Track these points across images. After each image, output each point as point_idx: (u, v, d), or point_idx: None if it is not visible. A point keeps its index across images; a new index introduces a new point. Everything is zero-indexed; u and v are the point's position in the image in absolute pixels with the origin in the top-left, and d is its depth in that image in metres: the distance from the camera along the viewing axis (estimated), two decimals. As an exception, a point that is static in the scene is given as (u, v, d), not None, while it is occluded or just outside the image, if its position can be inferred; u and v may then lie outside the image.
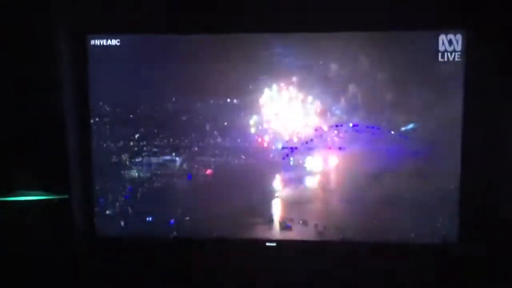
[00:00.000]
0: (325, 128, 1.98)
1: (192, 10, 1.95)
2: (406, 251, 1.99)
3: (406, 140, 1.94)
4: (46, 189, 1.98)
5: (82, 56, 1.98)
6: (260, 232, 2.05)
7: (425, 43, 1.89)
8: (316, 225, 2.03)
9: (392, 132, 1.95)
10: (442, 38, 1.88)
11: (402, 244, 1.99)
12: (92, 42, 1.98)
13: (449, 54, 1.88)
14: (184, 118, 2.01)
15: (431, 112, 1.92)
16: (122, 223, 2.08)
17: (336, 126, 1.97)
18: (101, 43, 1.98)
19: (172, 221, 2.07)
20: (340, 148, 1.98)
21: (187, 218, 2.07)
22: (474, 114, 1.89)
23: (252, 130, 2.00)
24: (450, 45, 1.88)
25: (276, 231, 2.05)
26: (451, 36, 1.87)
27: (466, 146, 1.90)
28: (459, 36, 1.87)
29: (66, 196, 1.99)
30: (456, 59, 1.88)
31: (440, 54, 1.89)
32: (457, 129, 1.91)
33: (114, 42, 1.98)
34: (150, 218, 2.08)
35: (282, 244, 2.04)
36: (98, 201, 2.07)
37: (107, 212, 2.07)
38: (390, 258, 2.00)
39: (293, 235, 2.04)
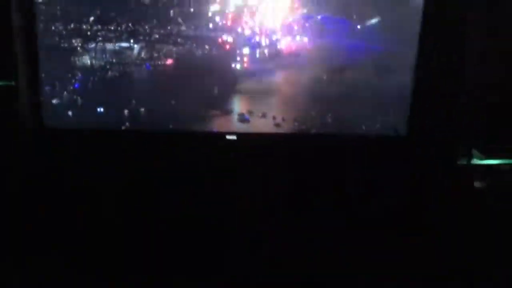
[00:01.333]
0: (293, 19, 1.93)
1: None
2: (358, 142, 2.08)
3: (369, 35, 1.94)
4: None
5: None
6: (217, 125, 2.03)
7: None
8: (274, 117, 2.03)
9: (358, 26, 1.93)
10: None
11: (354, 135, 2.08)
12: None
13: None
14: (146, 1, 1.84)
15: (394, 7, 1.92)
16: (70, 114, 1.95)
17: (304, 18, 1.92)
18: None
19: (125, 112, 1.97)
20: (305, 40, 1.94)
21: (142, 109, 1.98)
22: (434, 12, 1.90)
23: (218, 19, 1.89)
24: None
25: (234, 123, 2.03)
26: None
27: (424, 44, 1.94)
28: None
29: (12, 83, 1.81)
30: None
31: None
32: (416, 26, 1.93)
33: None
34: (101, 109, 1.96)
35: (242, 136, 2.04)
36: (44, 89, 1.90)
37: (54, 101, 1.93)
38: (343, 149, 2.06)
39: (251, 127, 2.04)
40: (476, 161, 2.06)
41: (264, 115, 2.03)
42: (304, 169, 2.08)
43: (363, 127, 2.07)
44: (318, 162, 2.08)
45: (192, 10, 1.88)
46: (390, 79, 2.00)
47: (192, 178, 2.02)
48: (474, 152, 2.07)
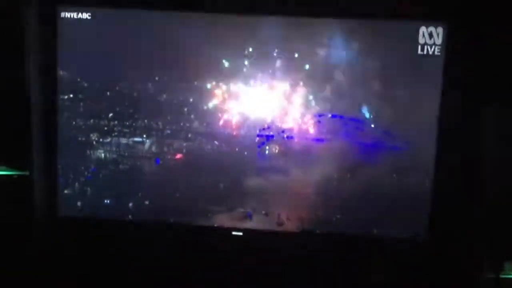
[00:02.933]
0: (304, 117, 1.93)
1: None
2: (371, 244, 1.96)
3: (382, 134, 1.89)
4: (7, 164, 1.91)
5: (52, 28, 1.90)
6: (219, 221, 2.00)
7: (405, 35, 1.84)
8: (278, 216, 1.98)
9: (372, 126, 1.90)
10: (423, 30, 1.83)
11: (366, 237, 1.96)
12: (62, 14, 1.90)
13: (429, 47, 1.83)
14: (161, 99, 1.94)
15: (409, 106, 1.87)
16: (79, 204, 2.01)
17: (315, 116, 1.92)
18: (72, 16, 1.90)
19: (130, 204, 2.01)
20: (317, 140, 1.93)
21: (146, 202, 2.01)
22: (451, 111, 1.84)
23: (230, 116, 1.95)
24: (430, 38, 1.83)
25: (236, 220, 2.00)
26: (432, 29, 1.82)
27: (442, 143, 1.86)
28: (440, 29, 1.82)
29: (27, 173, 1.91)
30: (436, 53, 1.83)
31: (420, 46, 1.83)
32: (433, 126, 1.86)
33: (85, 15, 1.90)
34: (108, 201, 2.01)
35: (248, 233, 1.99)
36: (59, 180, 1.99)
37: (65, 191, 2.00)
38: (354, 251, 1.97)
39: (252, 224, 2.00)
40: (508, 275, 1.82)
41: (267, 214, 1.98)
42: (312, 268, 1.99)
43: (375, 229, 1.96)
44: (327, 263, 1.98)
45: (205, 107, 1.94)
46: (407, 178, 1.91)
47: (196, 271, 2.01)
48: (507, 264, 1.84)
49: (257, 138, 1.95)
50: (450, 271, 1.91)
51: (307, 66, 1.88)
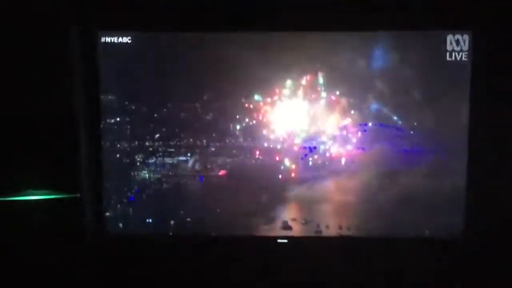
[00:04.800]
0: (344, 127, 2.01)
1: (207, 8, 1.95)
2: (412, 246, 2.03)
3: (417, 139, 1.99)
4: (56, 188, 1.96)
5: (94, 53, 1.95)
6: (258, 232, 2.06)
7: (433, 43, 1.94)
8: (318, 225, 2.05)
9: (404, 131, 1.99)
10: (450, 38, 1.93)
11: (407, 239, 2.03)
12: (103, 39, 1.96)
13: (456, 53, 1.93)
14: (208, 117, 2.00)
15: (439, 111, 1.97)
16: (121, 225, 2.06)
17: (356, 125, 2.00)
18: (112, 41, 1.96)
19: (172, 222, 2.06)
20: (359, 148, 2.01)
21: (188, 219, 2.06)
22: (481, 113, 1.94)
23: (273, 130, 2.02)
24: (457, 45, 1.93)
25: (276, 231, 2.06)
26: (458, 36, 1.92)
27: (473, 145, 1.95)
28: (466, 37, 1.92)
29: (77, 195, 1.96)
30: (463, 58, 1.93)
31: (448, 53, 1.93)
32: (464, 129, 1.96)
33: (125, 39, 1.96)
34: (150, 220, 2.07)
35: (293, 240, 2.05)
36: (103, 201, 2.04)
37: (107, 214, 2.05)
38: (396, 254, 2.04)
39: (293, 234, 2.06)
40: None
41: (306, 222, 2.05)
42: (356, 272, 2.05)
43: (414, 232, 2.04)
44: (371, 267, 2.05)
45: (251, 123, 2.01)
46: (442, 181, 2.00)
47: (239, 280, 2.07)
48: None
49: (301, 150, 2.02)
50: (489, 270, 2.00)
51: (346, 79, 1.97)
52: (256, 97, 1.99)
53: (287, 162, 2.03)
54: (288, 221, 2.05)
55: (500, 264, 1.99)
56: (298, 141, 2.02)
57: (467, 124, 1.96)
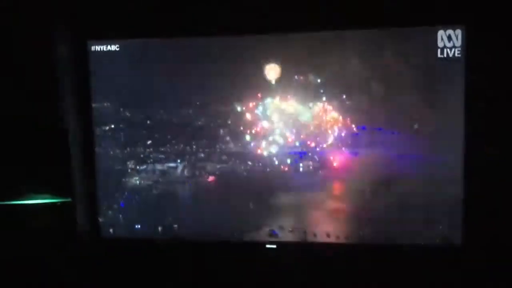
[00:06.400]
0: (335, 131, 1.96)
1: (196, 13, 1.96)
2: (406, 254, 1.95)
3: (411, 142, 1.89)
4: (51, 193, 2.03)
5: (83, 61, 2.01)
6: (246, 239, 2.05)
7: (424, 39, 1.85)
8: (305, 232, 2.00)
9: (398, 134, 1.90)
10: (441, 33, 1.83)
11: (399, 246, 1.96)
12: (92, 48, 2.02)
13: (448, 50, 1.83)
14: (200, 123, 2.01)
15: (431, 110, 1.87)
16: (111, 231, 2.10)
17: (347, 129, 1.94)
18: (101, 49, 2.01)
19: (159, 228, 2.08)
20: (351, 153, 1.95)
21: (175, 226, 2.07)
22: (476, 112, 1.83)
23: (264, 135, 2.00)
24: (449, 41, 1.83)
25: (263, 239, 2.03)
26: (450, 31, 1.82)
27: (468, 147, 1.85)
28: (458, 32, 1.82)
29: (69, 200, 2.02)
30: (456, 54, 1.83)
31: (439, 50, 1.83)
32: (458, 127, 1.85)
33: (114, 47, 2.01)
34: (139, 226, 2.09)
35: (281, 246, 2.02)
36: (100, 205, 2.09)
37: (100, 219, 2.09)
38: (388, 262, 1.96)
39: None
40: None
41: (293, 230, 2.01)
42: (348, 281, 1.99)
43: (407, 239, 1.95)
44: (361, 274, 1.98)
45: (241, 128, 2.00)
46: (437, 185, 1.90)
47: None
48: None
49: (291, 156, 1.98)
50: (488, 275, 1.88)
51: (337, 80, 1.92)
52: (247, 102, 1.97)
53: (276, 168, 1.99)
54: (275, 229, 2.02)
55: (498, 273, 1.87)
56: (288, 146, 1.99)
57: (463, 124, 1.85)
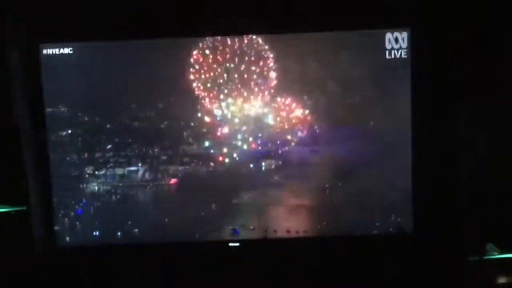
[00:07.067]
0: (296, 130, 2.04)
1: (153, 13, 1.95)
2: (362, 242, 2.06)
3: (364, 139, 2.00)
4: (3, 202, 1.95)
5: (35, 65, 1.95)
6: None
7: (372, 42, 1.96)
8: (265, 230, 2.05)
9: (351, 131, 2.00)
10: (389, 36, 1.95)
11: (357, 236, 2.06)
12: (45, 51, 1.96)
13: (395, 51, 1.95)
14: (162, 126, 2.00)
15: (382, 108, 1.99)
16: (68, 239, 2.05)
17: (306, 128, 2.02)
18: (54, 52, 1.96)
19: (118, 233, 2.05)
20: (311, 151, 2.02)
21: (136, 230, 2.05)
22: (422, 109, 1.96)
23: (225, 136, 2.03)
24: (396, 42, 1.95)
25: (224, 238, 2.06)
26: (397, 34, 1.94)
27: (416, 142, 1.98)
28: (404, 34, 1.94)
29: (24, 208, 1.95)
30: (403, 55, 1.95)
31: (387, 51, 1.95)
32: (406, 123, 1.98)
33: (67, 50, 1.96)
34: (97, 233, 2.06)
35: (245, 244, 2.05)
36: (51, 214, 2.03)
37: (55, 228, 2.03)
38: (347, 251, 2.05)
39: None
40: (491, 256, 1.94)
41: (254, 228, 2.06)
42: (309, 272, 2.06)
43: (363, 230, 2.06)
44: (323, 265, 2.05)
45: (204, 130, 2.02)
46: (388, 179, 2.02)
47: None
48: (489, 245, 1.95)
49: (253, 155, 2.04)
50: (439, 259, 2.00)
51: (294, 80, 1.99)
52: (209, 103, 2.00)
53: (239, 167, 2.04)
54: (237, 228, 2.05)
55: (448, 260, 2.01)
56: (249, 146, 2.04)
57: (410, 121, 1.97)
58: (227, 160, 2.03)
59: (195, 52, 1.98)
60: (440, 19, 1.93)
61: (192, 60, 1.99)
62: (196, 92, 2.00)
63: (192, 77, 1.99)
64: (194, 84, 1.99)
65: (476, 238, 1.96)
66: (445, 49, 1.94)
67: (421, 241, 2.00)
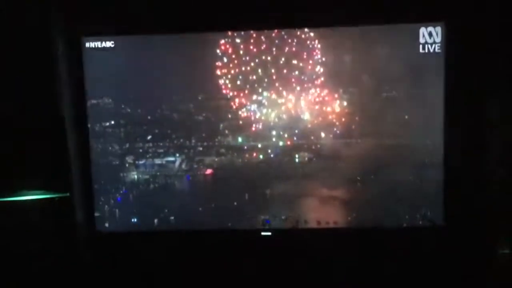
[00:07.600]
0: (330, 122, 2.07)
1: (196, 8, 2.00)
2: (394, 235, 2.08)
3: (396, 133, 2.03)
4: (47, 188, 2.04)
5: (78, 58, 2.03)
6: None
7: (406, 36, 1.98)
8: (296, 221, 2.10)
9: (385, 126, 2.04)
10: (423, 30, 1.97)
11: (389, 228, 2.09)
12: (87, 44, 2.04)
13: (429, 45, 1.97)
14: (200, 117, 2.07)
15: (415, 102, 2.01)
16: (107, 225, 2.13)
17: (340, 120, 2.06)
18: (96, 45, 2.04)
19: (155, 221, 2.13)
20: (345, 143, 2.06)
21: (172, 217, 2.13)
22: (455, 103, 1.98)
23: (261, 128, 2.09)
24: (430, 37, 1.97)
25: (256, 227, 2.12)
26: (431, 28, 1.96)
27: (448, 135, 2.00)
28: (438, 29, 1.96)
29: (67, 194, 2.04)
30: (437, 50, 1.97)
31: (421, 46, 1.97)
32: (439, 117, 2.00)
33: (109, 44, 2.04)
34: (135, 220, 2.14)
35: (277, 233, 2.11)
36: (92, 201, 2.12)
37: (96, 214, 2.12)
38: (379, 243, 2.09)
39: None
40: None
41: (285, 218, 2.10)
42: (340, 263, 2.10)
43: (395, 223, 2.08)
44: (354, 257, 2.09)
45: (241, 122, 2.08)
46: (420, 172, 2.05)
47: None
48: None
49: (287, 147, 2.09)
50: (469, 251, 2.03)
51: (326, 74, 2.03)
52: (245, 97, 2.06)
53: (272, 159, 2.09)
54: (268, 218, 2.11)
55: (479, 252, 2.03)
56: (284, 138, 2.09)
57: (443, 115, 1.99)
58: (261, 152, 2.08)
59: (233, 46, 2.03)
60: (473, 13, 1.94)
61: (229, 53, 2.04)
62: (232, 86, 2.05)
63: (227, 71, 2.04)
64: (229, 78, 2.05)
65: (506, 230, 1.97)
66: (478, 44, 1.94)
67: (451, 233, 2.03)
